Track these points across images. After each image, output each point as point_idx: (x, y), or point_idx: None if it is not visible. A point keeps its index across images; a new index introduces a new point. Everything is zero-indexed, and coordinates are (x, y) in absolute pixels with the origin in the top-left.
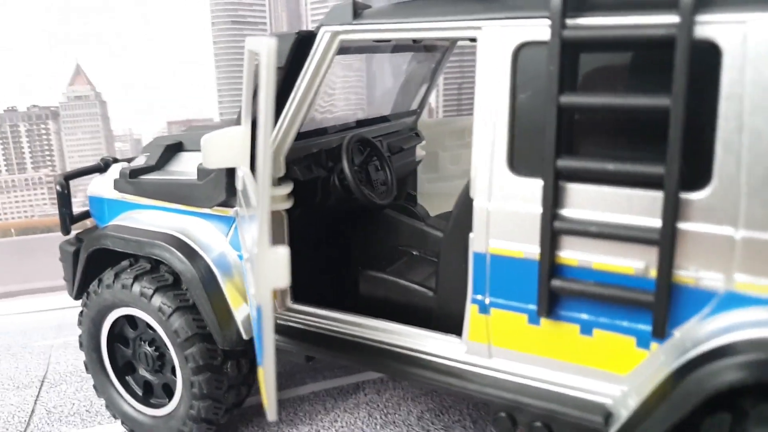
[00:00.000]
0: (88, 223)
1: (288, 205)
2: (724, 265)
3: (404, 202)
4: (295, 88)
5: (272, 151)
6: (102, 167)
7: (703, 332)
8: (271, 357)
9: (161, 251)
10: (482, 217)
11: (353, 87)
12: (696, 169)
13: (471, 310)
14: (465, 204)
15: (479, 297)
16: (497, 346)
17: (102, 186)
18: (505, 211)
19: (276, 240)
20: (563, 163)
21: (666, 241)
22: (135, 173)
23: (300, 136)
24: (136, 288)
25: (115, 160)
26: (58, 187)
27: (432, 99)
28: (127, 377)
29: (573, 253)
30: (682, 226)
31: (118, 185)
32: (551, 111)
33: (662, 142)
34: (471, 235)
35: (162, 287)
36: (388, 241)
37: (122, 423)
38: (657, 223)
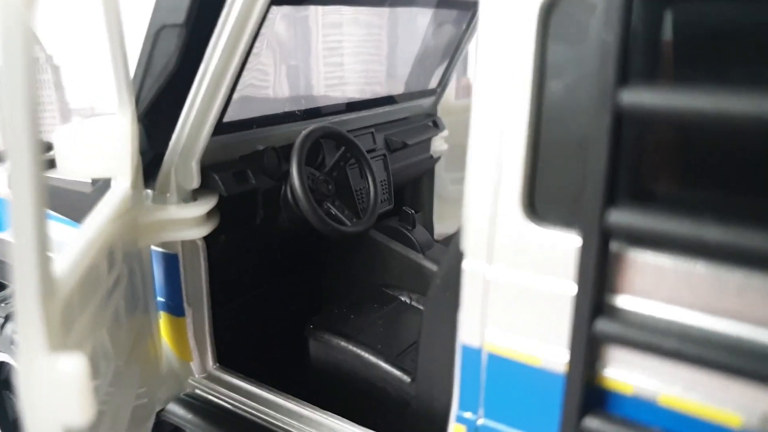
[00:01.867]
0: None
1: (205, 230)
2: None
3: (399, 223)
4: (206, 56)
5: (179, 149)
6: None
7: None
8: None
9: None
10: (476, 290)
11: (361, 51)
12: None
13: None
14: (455, 262)
15: (467, 415)
16: None
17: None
18: (514, 284)
19: (192, 285)
20: (619, 216)
21: None
22: None
23: (241, 125)
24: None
25: None
26: None
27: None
28: None
29: (625, 374)
30: None
31: None
32: (602, 117)
33: None
34: (459, 316)
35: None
36: (367, 276)
37: None
38: None
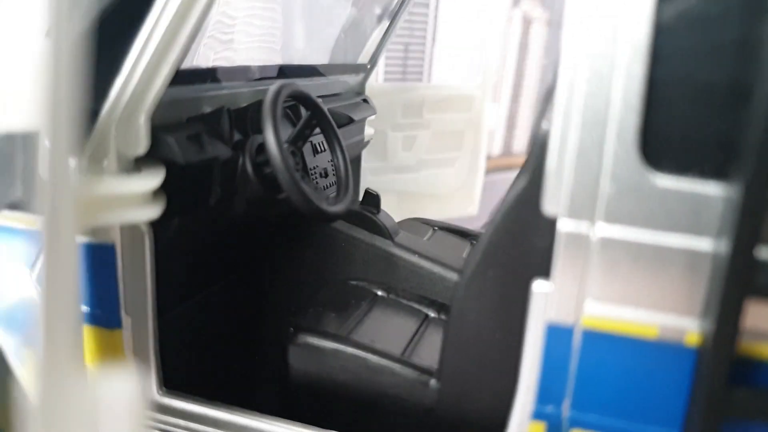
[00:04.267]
0: None
1: (154, 212)
2: None
3: (361, 206)
4: None
5: (124, 101)
6: None
7: None
8: None
9: None
10: (572, 254)
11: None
12: None
13: (528, 431)
14: (519, 221)
15: (549, 408)
16: None
17: None
18: (626, 244)
19: (133, 286)
20: None
21: None
22: None
23: (180, 78)
24: None
25: None
26: None
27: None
28: None
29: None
30: None
31: None
32: None
33: None
34: (538, 286)
35: None
36: (328, 271)
37: None
38: None
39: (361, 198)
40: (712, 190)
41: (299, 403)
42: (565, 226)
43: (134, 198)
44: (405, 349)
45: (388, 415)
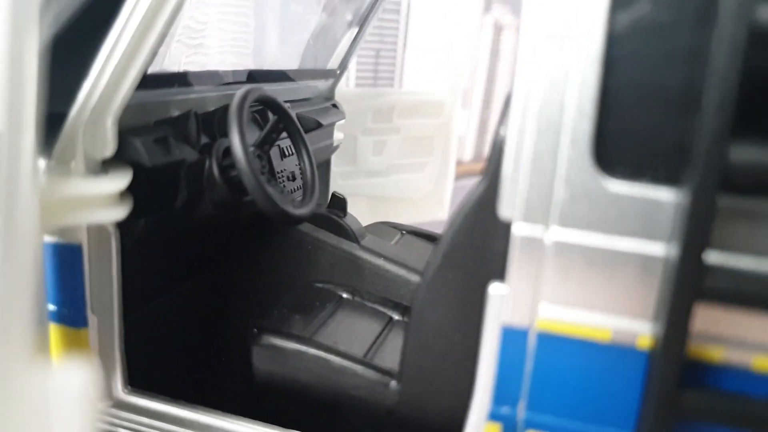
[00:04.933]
0: None
1: (121, 213)
2: None
3: (328, 210)
4: None
5: (92, 104)
6: None
7: None
8: None
9: None
10: (527, 257)
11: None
12: None
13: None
14: (477, 225)
15: (505, 410)
16: None
17: None
18: (580, 248)
19: (99, 286)
20: (744, 154)
21: None
22: None
23: (148, 82)
24: None
25: None
26: None
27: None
28: None
29: (722, 340)
30: None
31: None
32: (731, 32)
33: None
34: (494, 288)
35: None
36: (294, 273)
37: None
38: None
39: (328, 201)
40: (663, 195)
41: (263, 403)
42: (520, 230)
43: (101, 199)
44: (368, 351)
45: (350, 416)
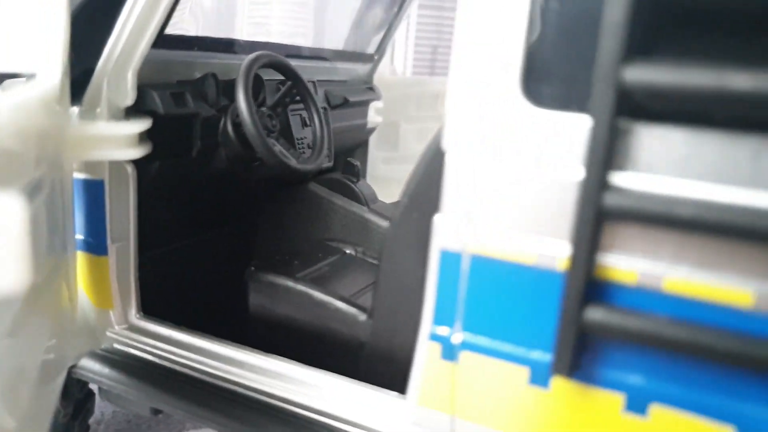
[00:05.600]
0: None
1: (137, 153)
2: None
3: (342, 175)
4: None
5: (114, 58)
6: None
7: None
8: None
9: None
10: (461, 186)
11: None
12: None
13: (427, 352)
14: (431, 166)
15: (442, 331)
16: (467, 420)
17: None
18: (506, 175)
19: (119, 218)
20: (638, 73)
21: None
22: None
23: (175, 43)
24: None
25: None
26: None
27: (400, 54)
28: None
29: (634, 261)
30: None
31: None
32: None
33: None
34: (436, 219)
35: None
36: (307, 231)
37: None
38: None
39: (343, 167)
40: (585, 122)
41: (255, 332)
42: (452, 159)
43: (121, 139)
44: (354, 294)
45: (328, 346)
